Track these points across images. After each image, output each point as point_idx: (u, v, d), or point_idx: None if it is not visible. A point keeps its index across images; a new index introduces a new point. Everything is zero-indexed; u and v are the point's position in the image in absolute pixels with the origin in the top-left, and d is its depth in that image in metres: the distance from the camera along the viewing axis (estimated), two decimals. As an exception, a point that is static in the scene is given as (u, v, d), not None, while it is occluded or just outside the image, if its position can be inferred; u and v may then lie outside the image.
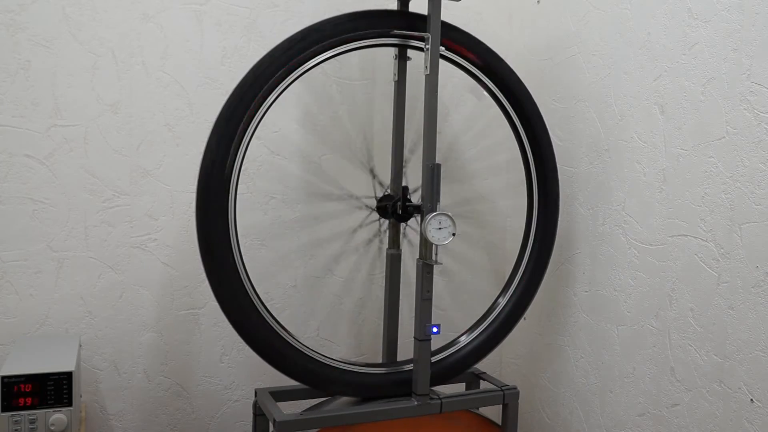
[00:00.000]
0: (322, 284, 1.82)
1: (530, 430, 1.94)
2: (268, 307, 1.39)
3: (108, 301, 1.62)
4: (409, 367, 1.51)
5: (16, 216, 1.53)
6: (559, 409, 1.82)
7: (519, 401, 1.57)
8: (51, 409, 1.28)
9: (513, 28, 2.00)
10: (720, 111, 1.35)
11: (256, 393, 1.49)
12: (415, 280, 1.46)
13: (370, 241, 1.84)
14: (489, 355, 1.62)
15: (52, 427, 1.28)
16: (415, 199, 1.57)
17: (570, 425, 1.78)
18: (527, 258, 1.63)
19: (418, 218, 1.48)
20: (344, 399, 1.50)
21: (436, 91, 1.41)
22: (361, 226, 1.82)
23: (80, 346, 1.52)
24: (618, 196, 1.60)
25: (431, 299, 1.44)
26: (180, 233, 1.66)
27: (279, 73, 1.34)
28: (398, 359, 1.62)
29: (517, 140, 1.62)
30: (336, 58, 1.41)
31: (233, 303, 1.34)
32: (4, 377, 1.26)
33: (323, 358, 1.44)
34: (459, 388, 1.65)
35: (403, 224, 1.64)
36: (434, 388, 1.51)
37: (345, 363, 1.47)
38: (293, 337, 1.41)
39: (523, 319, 1.68)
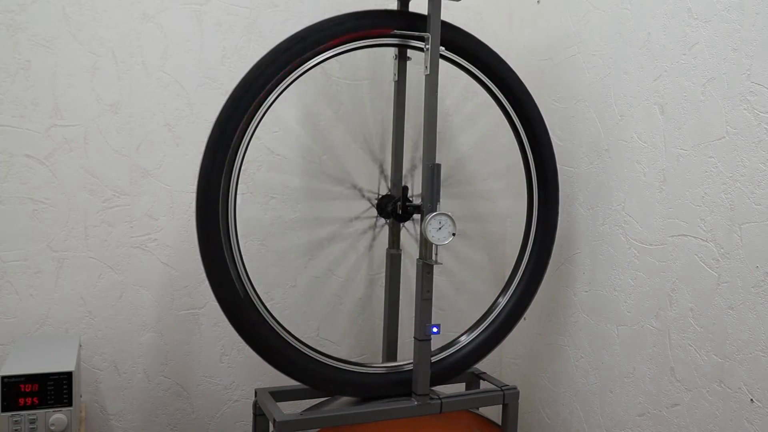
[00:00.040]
0: (322, 284, 1.82)
1: (530, 430, 1.94)
2: (268, 307, 1.40)
3: (108, 301, 1.62)
4: (409, 367, 1.51)
5: (16, 216, 1.53)
6: (559, 409, 1.82)
7: (519, 401, 1.57)
8: (51, 409, 1.28)
9: (513, 28, 2.00)
10: (720, 111, 1.35)
11: (256, 393, 1.49)
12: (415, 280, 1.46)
13: (364, 232, 1.83)
14: (489, 355, 1.62)
15: (52, 427, 1.28)
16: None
17: (570, 425, 1.78)
18: (527, 258, 1.63)
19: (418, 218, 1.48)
20: (344, 399, 1.50)
21: (436, 91, 1.41)
22: (358, 218, 1.81)
23: (80, 346, 1.52)
24: (618, 196, 1.60)
25: (431, 299, 1.44)
26: (180, 233, 1.66)
27: (279, 72, 1.34)
28: (398, 359, 1.62)
29: (517, 140, 1.62)
30: (335, 57, 1.41)
31: (233, 303, 1.34)
32: (4, 377, 1.26)
33: (323, 358, 1.44)
34: (459, 388, 1.65)
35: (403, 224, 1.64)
36: (434, 388, 1.51)
37: (345, 363, 1.47)
38: (293, 337, 1.41)
39: (523, 319, 1.68)
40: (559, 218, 1.70)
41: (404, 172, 1.64)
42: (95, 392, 1.63)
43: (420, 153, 1.73)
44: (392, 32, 1.42)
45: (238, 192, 1.33)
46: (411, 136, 1.80)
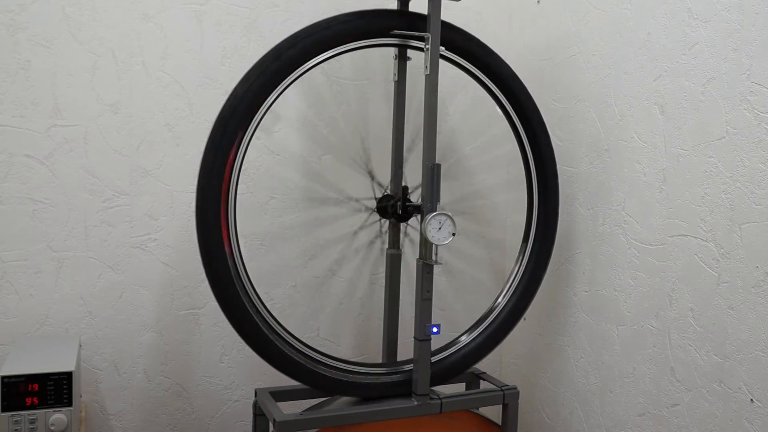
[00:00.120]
0: (323, 284, 1.82)
1: (530, 430, 1.94)
2: (268, 307, 1.39)
3: (108, 301, 1.62)
4: (409, 367, 1.51)
5: (16, 216, 1.53)
6: (559, 409, 1.82)
7: (519, 401, 1.57)
8: (51, 409, 1.28)
9: (513, 28, 2.00)
10: (720, 111, 1.35)
11: (256, 393, 1.49)
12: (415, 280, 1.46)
13: (371, 242, 1.84)
14: (489, 355, 1.62)
15: (52, 427, 1.28)
16: (415, 198, 1.57)
17: (570, 425, 1.78)
18: (527, 258, 1.63)
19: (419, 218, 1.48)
20: (344, 399, 1.50)
21: (436, 91, 1.41)
22: (362, 227, 1.82)
23: (80, 346, 1.52)
24: (618, 196, 1.60)
25: (431, 299, 1.44)
26: (180, 233, 1.66)
27: (280, 72, 1.34)
28: (398, 359, 1.62)
29: (517, 140, 1.62)
30: (335, 57, 1.41)
31: (233, 303, 1.34)
32: (4, 377, 1.26)
33: (323, 358, 1.44)
34: (459, 388, 1.65)
35: (403, 224, 1.64)
36: (434, 388, 1.51)
37: (345, 363, 1.47)
38: (293, 337, 1.41)
39: (523, 319, 1.68)
40: (559, 218, 1.70)
41: (404, 172, 1.64)
42: (95, 392, 1.63)
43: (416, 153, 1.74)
44: (392, 32, 1.42)
45: (238, 192, 1.33)
46: (410, 136, 1.81)
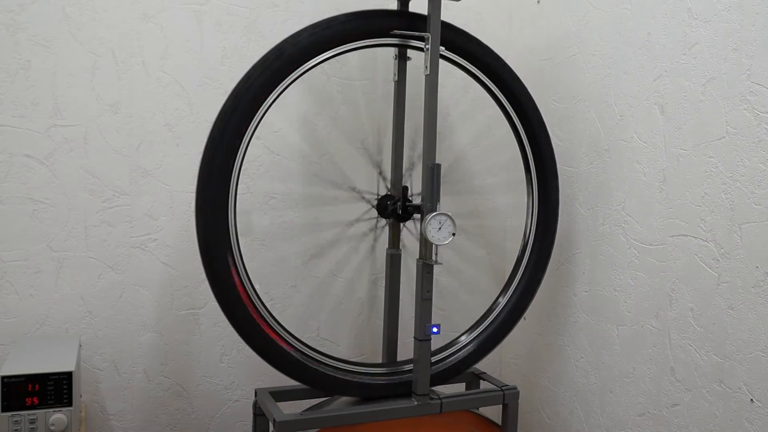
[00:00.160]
0: (323, 284, 1.82)
1: (530, 430, 1.94)
2: (269, 307, 1.39)
3: (108, 301, 1.62)
4: (409, 367, 1.51)
5: (16, 216, 1.53)
6: (559, 409, 1.82)
7: (519, 401, 1.57)
8: (51, 409, 1.28)
9: (513, 28, 2.00)
10: (720, 111, 1.35)
11: (256, 393, 1.49)
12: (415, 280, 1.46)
13: (365, 234, 1.83)
14: (489, 355, 1.62)
15: (52, 427, 1.28)
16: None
17: (570, 425, 1.78)
18: (527, 258, 1.63)
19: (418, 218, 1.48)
20: (344, 399, 1.50)
21: (436, 91, 1.41)
22: (358, 220, 1.81)
23: (80, 346, 1.52)
24: (618, 196, 1.60)
25: (431, 299, 1.44)
26: (180, 233, 1.66)
27: (280, 71, 1.34)
28: (398, 359, 1.62)
29: (517, 140, 1.62)
30: (335, 57, 1.41)
31: (233, 303, 1.34)
32: (4, 377, 1.26)
33: (323, 358, 1.44)
34: (459, 388, 1.65)
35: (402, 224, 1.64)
36: (434, 388, 1.51)
37: (345, 363, 1.47)
38: (293, 337, 1.41)
39: (523, 319, 1.68)
40: (559, 218, 1.70)
41: (404, 171, 1.64)
42: (95, 392, 1.63)
43: (417, 152, 1.74)
44: (392, 32, 1.42)
45: (238, 192, 1.33)
46: (410, 135, 1.81)
